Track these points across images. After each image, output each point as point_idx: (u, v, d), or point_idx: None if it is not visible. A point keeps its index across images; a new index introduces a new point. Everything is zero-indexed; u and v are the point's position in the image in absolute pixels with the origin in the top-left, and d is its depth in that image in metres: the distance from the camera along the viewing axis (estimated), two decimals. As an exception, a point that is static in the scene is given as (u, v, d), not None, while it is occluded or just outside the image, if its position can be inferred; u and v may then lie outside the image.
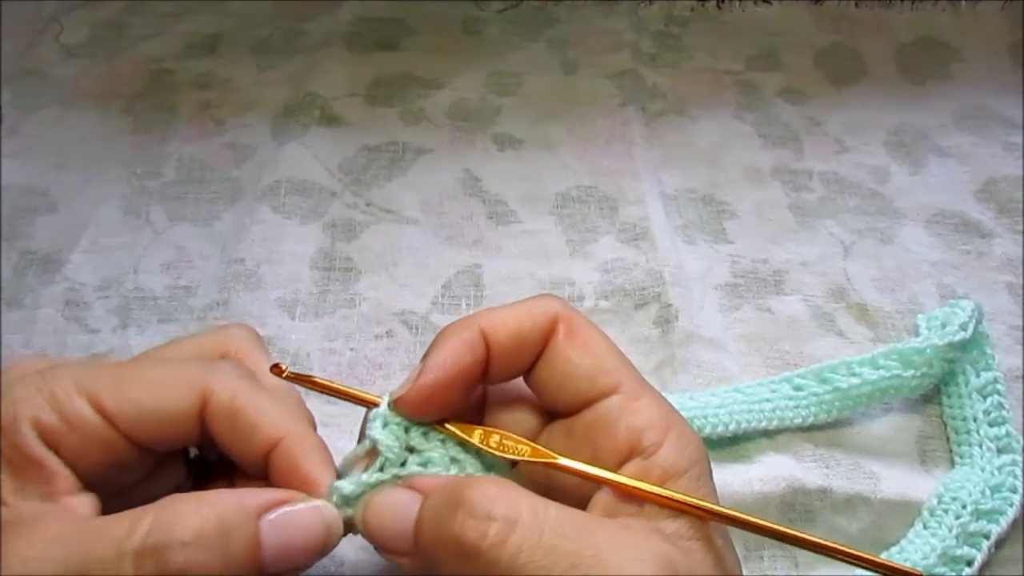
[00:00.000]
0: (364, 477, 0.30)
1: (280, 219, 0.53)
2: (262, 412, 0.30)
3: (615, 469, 0.30)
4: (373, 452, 0.31)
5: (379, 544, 0.29)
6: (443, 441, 0.32)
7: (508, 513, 0.26)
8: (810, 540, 0.29)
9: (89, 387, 0.29)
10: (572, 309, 0.33)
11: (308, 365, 0.47)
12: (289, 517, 0.28)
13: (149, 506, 0.27)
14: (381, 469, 0.31)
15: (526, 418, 0.34)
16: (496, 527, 0.26)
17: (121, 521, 0.26)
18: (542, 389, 0.33)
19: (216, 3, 0.69)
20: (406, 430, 0.32)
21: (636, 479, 0.29)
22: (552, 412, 0.33)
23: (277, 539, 0.27)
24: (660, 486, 0.29)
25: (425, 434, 0.32)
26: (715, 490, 0.31)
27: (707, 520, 0.29)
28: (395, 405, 0.31)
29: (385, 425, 0.31)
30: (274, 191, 0.55)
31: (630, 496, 0.29)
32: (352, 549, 0.40)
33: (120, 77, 0.64)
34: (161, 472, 0.32)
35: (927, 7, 0.70)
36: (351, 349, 0.48)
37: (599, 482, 0.30)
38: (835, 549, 0.29)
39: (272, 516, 0.27)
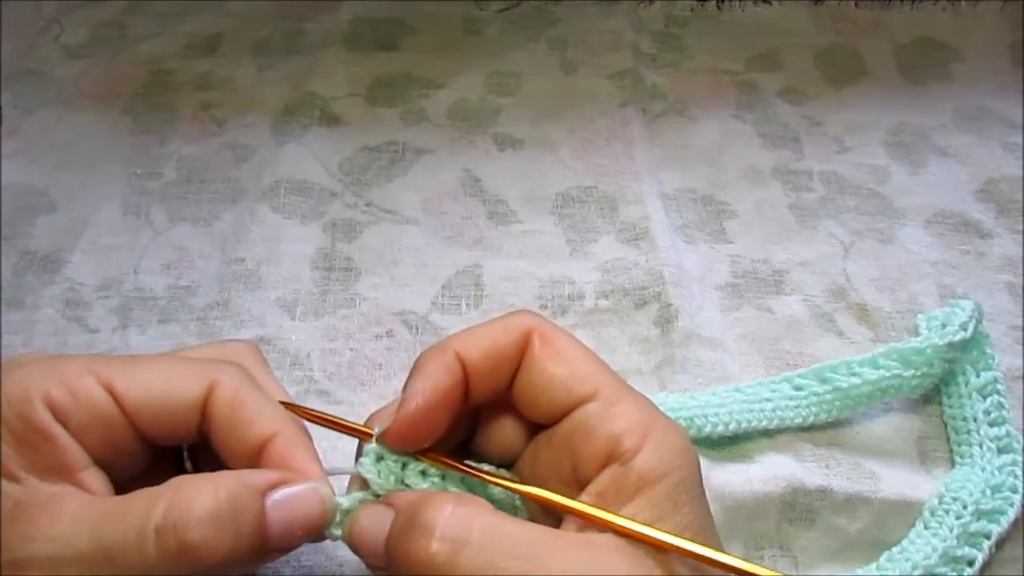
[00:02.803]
0: (361, 496, 0.31)
1: (280, 219, 0.53)
2: (262, 408, 0.31)
3: (594, 475, 0.30)
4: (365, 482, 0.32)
5: (361, 557, 0.30)
6: (443, 477, 0.32)
7: (457, 534, 0.27)
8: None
9: (100, 369, 0.30)
10: (546, 321, 0.33)
11: (308, 365, 0.47)
12: (291, 496, 0.29)
13: (162, 486, 0.28)
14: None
15: (515, 430, 0.34)
16: (445, 547, 0.27)
17: (138, 500, 0.28)
18: (522, 401, 0.33)
19: (216, 3, 0.69)
20: (403, 467, 0.32)
21: (609, 488, 0.29)
22: (536, 423, 0.33)
23: (280, 516, 0.29)
24: (636, 493, 0.29)
25: (423, 473, 0.32)
26: (701, 495, 0.30)
27: (650, 544, 0.28)
28: (382, 439, 0.31)
29: (379, 459, 0.31)
30: (274, 191, 0.55)
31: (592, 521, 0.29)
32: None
33: (120, 77, 0.63)
34: (151, 477, 0.33)
35: (927, 7, 0.70)
36: (351, 349, 0.48)
37: (554, 506, 0.30)
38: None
39: (276, 495, 0.29)
